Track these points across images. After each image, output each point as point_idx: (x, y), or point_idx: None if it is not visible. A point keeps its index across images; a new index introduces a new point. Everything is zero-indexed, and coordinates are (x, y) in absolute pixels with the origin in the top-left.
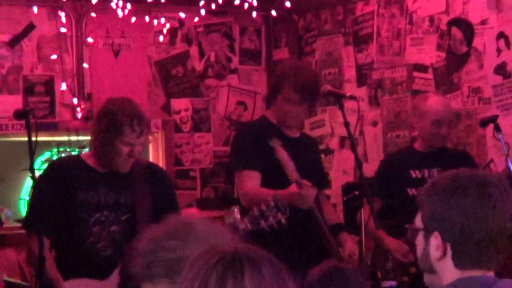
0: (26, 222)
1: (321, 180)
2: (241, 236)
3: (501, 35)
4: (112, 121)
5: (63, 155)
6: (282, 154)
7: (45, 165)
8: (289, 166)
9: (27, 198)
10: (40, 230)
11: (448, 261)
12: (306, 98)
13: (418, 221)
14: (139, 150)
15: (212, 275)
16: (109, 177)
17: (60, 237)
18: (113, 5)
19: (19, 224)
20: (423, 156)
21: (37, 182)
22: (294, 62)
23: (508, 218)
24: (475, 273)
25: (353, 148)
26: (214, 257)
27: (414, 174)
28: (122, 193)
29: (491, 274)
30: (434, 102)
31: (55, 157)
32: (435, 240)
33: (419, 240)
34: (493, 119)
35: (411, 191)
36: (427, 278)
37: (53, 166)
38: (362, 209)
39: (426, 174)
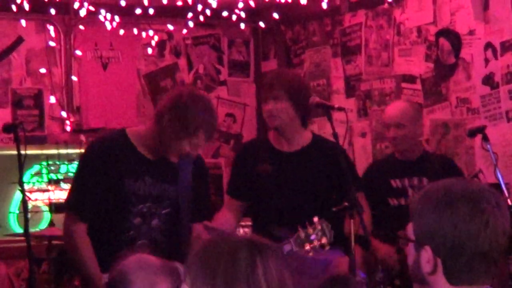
0: (69, 202)
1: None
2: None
3: (488, 46)
4: (192, 121)
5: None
6: None
7: (92, 142)
8: None
9: (74, 178)
10: (82, 213)
11: (440, 276)
12: (268, 90)
13: (410, 231)
14: (197, 153)
15: (239, 257)
16: (156, 166)
17: (99, 224)
18: (101, 18)
19: (9, 238)
20: (403, 164)
21: (84, 162)
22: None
23: (501, 233)
24: None
25: None
26: (229, 245)
27: (395, 183)
28: (166, 185)
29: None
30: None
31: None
32: (426, 254)
33: (411, 250)
34: (481, 129)
35: (392, 201)
36: None
37: (102, 147)
38: (352, 220)
39: (406, 183)
